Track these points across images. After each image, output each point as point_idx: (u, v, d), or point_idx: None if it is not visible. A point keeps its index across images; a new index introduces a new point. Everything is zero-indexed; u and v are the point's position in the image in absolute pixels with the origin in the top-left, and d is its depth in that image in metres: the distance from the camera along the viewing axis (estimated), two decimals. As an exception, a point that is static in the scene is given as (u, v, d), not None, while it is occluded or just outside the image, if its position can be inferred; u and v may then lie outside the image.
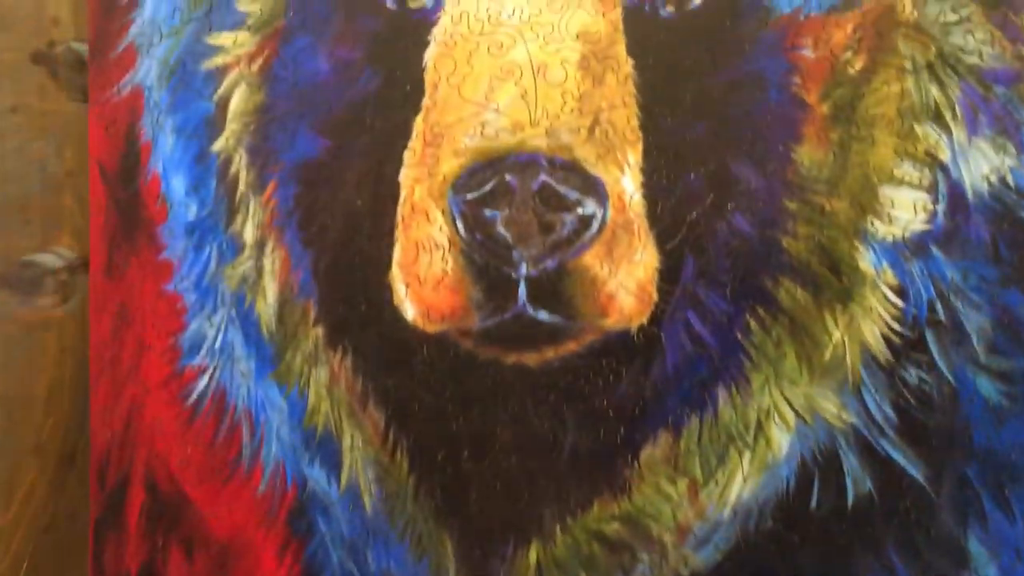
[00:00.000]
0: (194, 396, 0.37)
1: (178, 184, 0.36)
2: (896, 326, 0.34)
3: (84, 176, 0.36)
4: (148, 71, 0.36)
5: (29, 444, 0.38)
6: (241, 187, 0.36)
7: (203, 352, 0.36)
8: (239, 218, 0.36)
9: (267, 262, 0.36)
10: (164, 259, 0.36)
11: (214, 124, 0.36)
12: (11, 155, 0.38)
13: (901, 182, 0.34)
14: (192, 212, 0.36)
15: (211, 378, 0.36)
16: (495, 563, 0.35)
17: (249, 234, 0.36)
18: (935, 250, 0.33)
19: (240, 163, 0.36)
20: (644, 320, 0.35)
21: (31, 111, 0.38)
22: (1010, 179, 0.33)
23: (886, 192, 0.36)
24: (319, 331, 0.36)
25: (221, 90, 0.36)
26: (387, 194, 0.38)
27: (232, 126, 0.36)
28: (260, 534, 0.36)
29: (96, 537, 0.36)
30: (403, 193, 0.38)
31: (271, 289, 0.36)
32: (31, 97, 0.38)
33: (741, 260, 0.36)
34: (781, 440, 0.34)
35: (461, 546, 0.35)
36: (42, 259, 0.41)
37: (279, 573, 0.36)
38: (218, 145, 0.36)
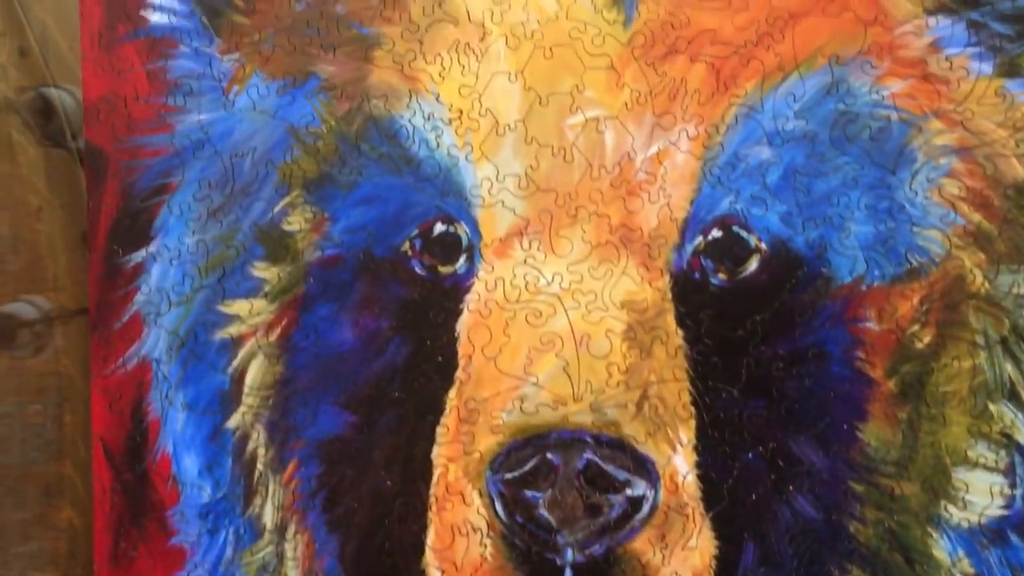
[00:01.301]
0: None
1: (190, 464, 0.35)
2: None
3: (86, 447, 0.34)
4: (156, 342, 0.35)
5: None
6: (259, 467, 0.36)
7: None
8: (257, 500, 0.35)
9: (289, 547, 0.35)
10: (175, 545, 0.35)
11: (229, 399, 0.35)
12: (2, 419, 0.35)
13: (976, 464, 0.37)
14: (206, 494, 0.35)
15: None
16: None
17: (268, 517, 0.35)
18: (1014, 537, 0.34)
19: (258, 440, 0.35)
20: None
21: (27, 371, 0.36)
22: None
23: (960, 475, 0.37)
24: None
25: (236, 362, 0.34)
26: (418, 474, 0.38)
27: (248, 401, 0.34)
28: None
29: None
30: (436, 473, 0.38)
31: None
32: (28, 355, 0.36)
33: (805, 546, 0.38)
34: None
35: None
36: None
37: None
38: (233, 421, 0.35)
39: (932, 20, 0.37)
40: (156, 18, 0.39)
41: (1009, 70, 0.37)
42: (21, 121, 0.46)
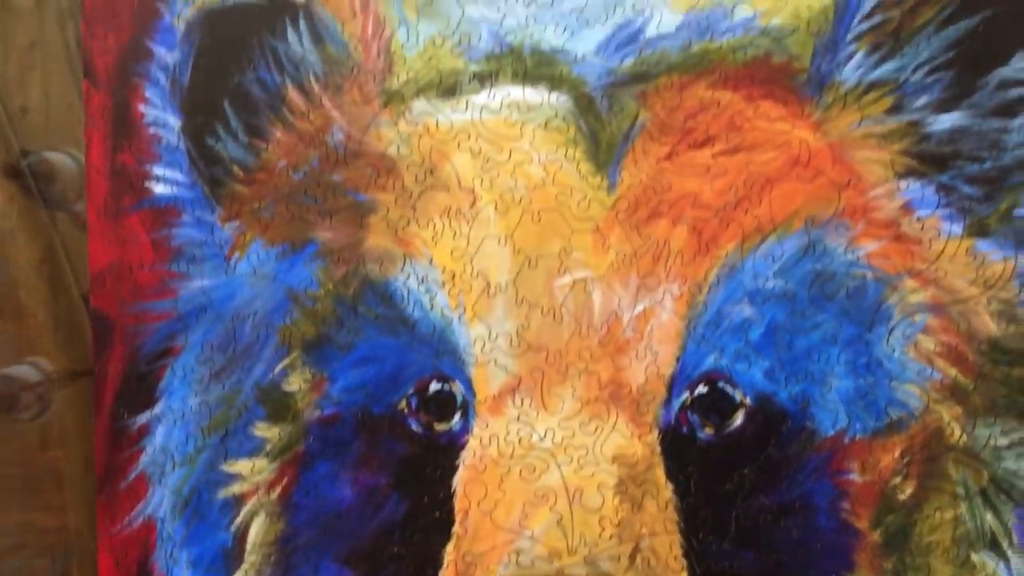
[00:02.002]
0: None
1: None
2: None
3: None
4: (160, 502, 0.37)
5: None
6: None
7: None
8: None
9: None
10: None
11: (232, 556, 0.38)
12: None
13: None
14: None
15: None
16: None
17: None
18: None
19: None
20: None
21: (36, 528, 0.38)
22: None
23: None
24: None
25: (239, 520, 0.37)
26: None
27: (251, 558, 0.37)
28: None
29: None
30: None
31: None
32: (38, 514, 0.37)
33: None
34: None
35: None
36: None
37: None
38: None
39: (903, 183, 0.39)
40: (160, 189, 0.41)
41: (979, 230, 0.39)
42: (21, 185, 0.48)
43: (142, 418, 0.43)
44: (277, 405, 0.42)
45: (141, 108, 0.43)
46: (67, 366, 0.47)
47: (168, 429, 0.43)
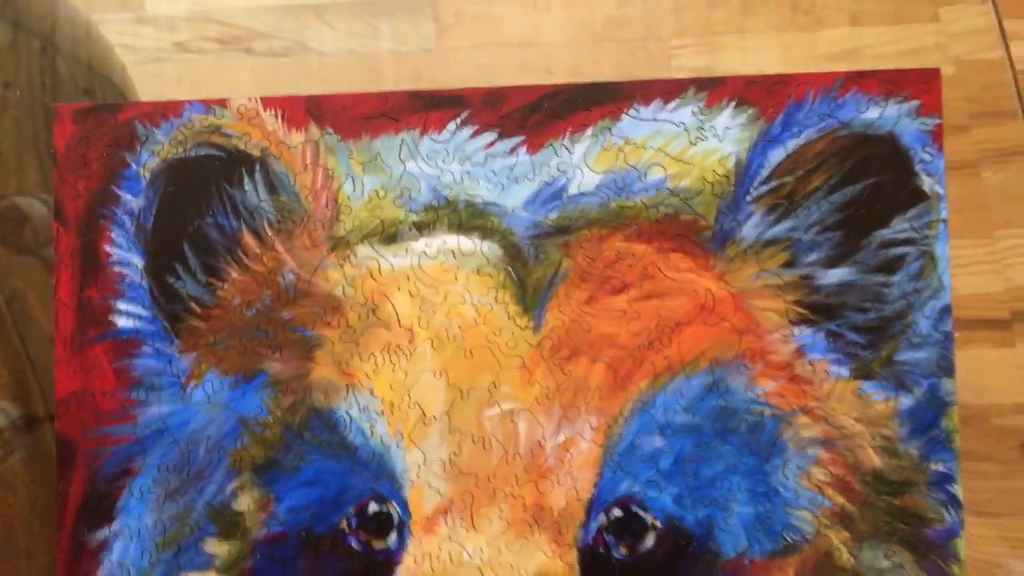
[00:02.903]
0: None
1: None
2: None
3: None
4: None
5: None
6: None
7: None
8: None
9: None
10: None
11: None
12: None
13: None
14: None
15: None
16: None
17: None
18: None
19: None
20: None
21: None
22: None
23: None
24: None
25: None
26: None
27: None
28: None
29: None
30: None
31: None
32: None
33: None
34: None
35: None
36: None
37: None
38: None
39: (796, 330, 0.44)
40: (123, 322, 0.45)
41: (864, 373, 0.44)
42: None
43: (101, 534, 0.46)
44: (227, 523, 0.46)
45: (107, 248, 0.47)
46: (27, 412, 0.50)
47: (125, 544, 0.46)
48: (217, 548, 0.46)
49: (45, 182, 0.51)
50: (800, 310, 0.45)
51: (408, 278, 0.46)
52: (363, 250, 0.47)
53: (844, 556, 0.45)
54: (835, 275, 0.45)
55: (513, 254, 0.46)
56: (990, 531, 1.35)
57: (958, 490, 0.45)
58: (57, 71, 0.53)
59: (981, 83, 0.65)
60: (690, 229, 0.46)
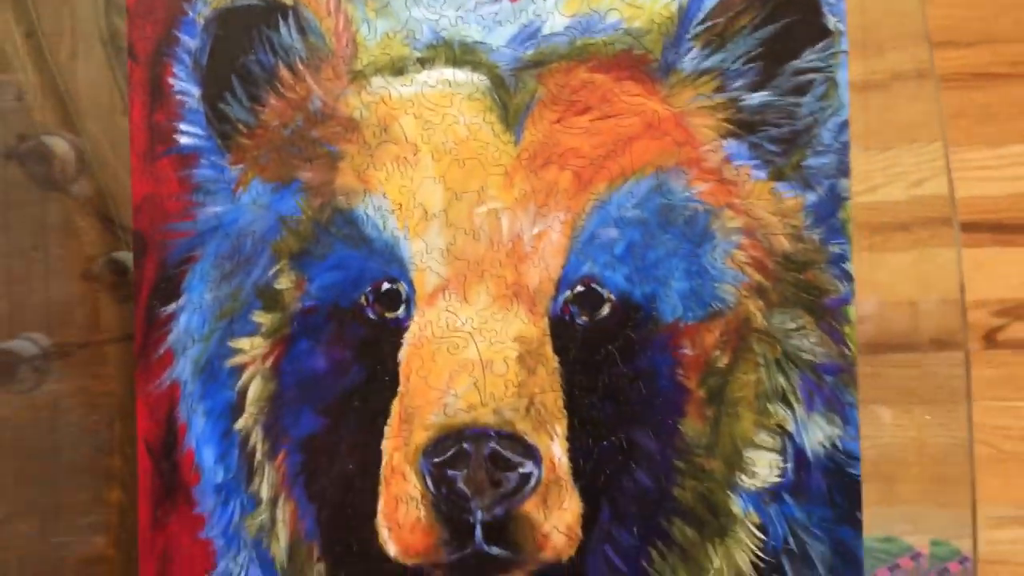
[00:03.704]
0: None
1: (208, 455, 0.52)
2: (760, 555, 0.50)
3: (132, 446, 0.52)
4: (183, 369, 0.53)
5: None
6: (258, 456, 0.53)
7: None
8: (256, 480, 0.52)
9: (280, 513, 0.52)
10: (198, 513, 0.53)
11: (236, 408, 0.53)
12: (72, 425, 0.53)
13: (760, 447, 0.52)
14: (219, 476, 0.52)
15: None
16: None
17: (264, 492, 0.52)
18: (787, 497, 0.51)
19: (257, 437, 0.52)
20: (572, 553, 0.55)
21: (90, 392, 0.54)
22: (839, 444, 0.50)
23: (749, 454, 0.53)
24: (322, 567, 0.52)
25: (241, 382, 0.52)
26: (372, 460, 0.56)
27: (250, 409, 0.52)
28: None
29: None
30: (384, 459, 0.56)
31: (283, 534, 0.52)
32: (90, 380, 0.53)
33: (644, 506, 0.54)
34: None
35: None
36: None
37: None
38: (239, 424, 0.53)
39: (724, 142, 0.56)
40: (184, 140, 0.57)
41: (778, 175, 0.56)
42: (18, 167, 0.57)
43: (169, 308, 0.59)
44: (270, 299, 0.58)
45: (170, 80, 0.59)
46: (61, 340, 0.59)
47: (189, 316, 0.59)
48: (262, 318, 0.59)
49: (69, 121, 0.60)
50: (728, 126, 0.57)
51: (413, 103, 0.58)
52: (376, 81, 0.58)
53: (759, 320, 0.57)
54: (756, 97, 0.57)
55: (498, 83, 0.58)
56: (950, 419, 1.48)
57: (851, 267, 0.56)
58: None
59: None
60: (640, 62, 0.57)
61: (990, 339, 1.58)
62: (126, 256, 0.59)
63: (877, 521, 0.58)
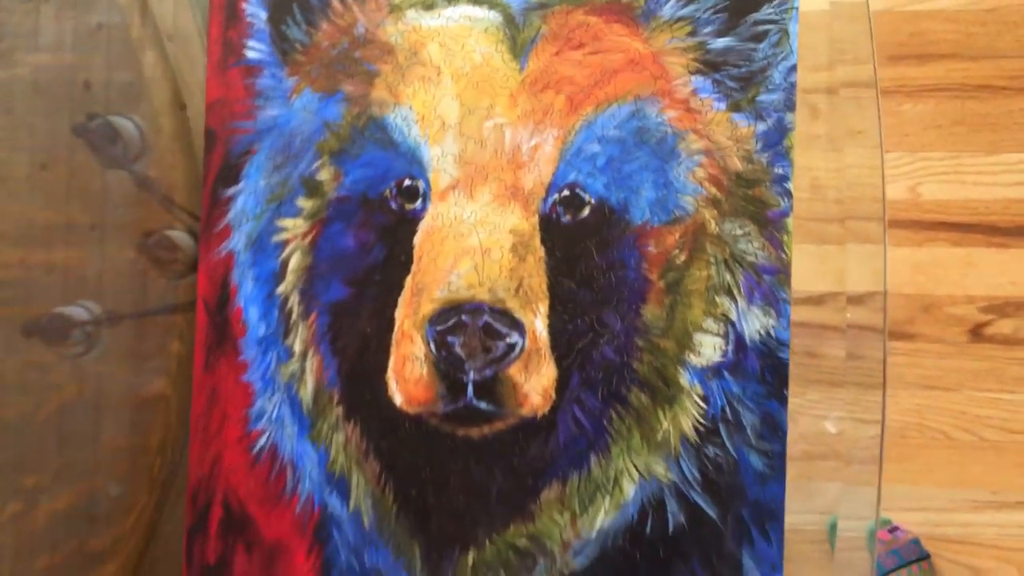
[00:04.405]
0: (257, 449, 0.65)
1: (253, 313, 0.65)
2: (702, 420, 0.63)
3: (192, 305, 0.65)
4: (238, 241, 0.66)
5: (144, 478, 0.66)
6: (293, 316, 0.65)
7: (264, 421, 0.65)
8: (291, 335, 0.65)
9: (308, 364, 0.65)
10: (242, 360, 0.66)
11: (279, 276, 0.66)
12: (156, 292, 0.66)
13: (706, 331, 0.63)
14: (261, 331, 0.65)
15: (268, 438, 0.65)
16: (446, 564, 0.63)
17: (297, 346, 0.65)
18: (726, 374, 0.62)
19: (294, 301, 0.65)
20: (546, 410, 0.63)
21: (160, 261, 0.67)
22: (772, 333, 0.61)
23: (697, 337, 0.63)
24: (340, 410, 0.65)
25: (284, 254, 0.65)
26: (386, 325, 0.66)
27: (290, 277, 0.65)
28: (295, 540, 0.65)
29: (189, 540, 0.65)
30: (396, 325, 0.67)
31: (310, 382, 0.65)
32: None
33: (607, 375, 0.64)
34: (629, 490, 0.63)
35: (425, 551, 0.64)
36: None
37: (306, 565, 0.64)
38: (280, 289, 0.65)
39: (693, 78, 0.68)
40: (251, 55, 0.71)
41: (735, 108, 0.68)
42: (86, 144, 0.60)
43: (230, 191, 0.72)
44: (311, 188, 0.71)
45: (243, 5, 0.72)
46: (112, 309, 0.63)
47: (245, 198, 0.72)
48: (304, 203, 0.72)
49: (136, 103, 0.65)
50: (696, 64, 0.69)
51: (439, 33, 0.71)
52: (410, 14, 0.71)
53: (712, 226, 0.68)
54: (721, 42, 0.69)
55: (509, 20, 0.70)
56: (939, 402, 1.58)
57: (791, 186, 0.68)
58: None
59: None
60: (628, 8, 0.69)
61: (976, 334, 1.68)
62: (179, 235, 0.66)
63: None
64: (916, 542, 1.61)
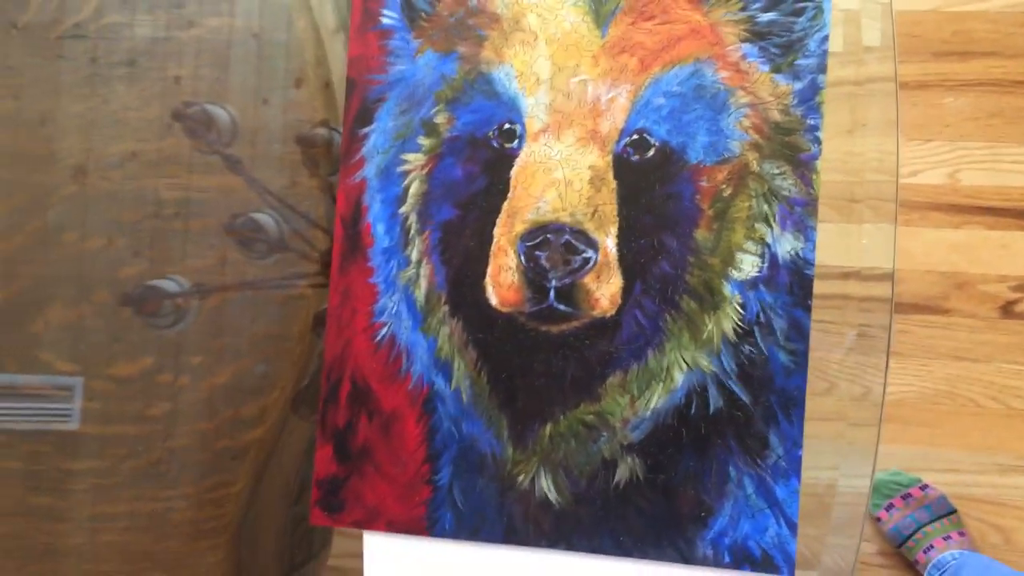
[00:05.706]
0: (379, 337, 0.83)
1: (380, 228, 0.83)
2: (740, 323, 0.79)
3: (331, 221, 0.83)
4: (370, 170, 0.84)
5: (287, 360, 0.84)
6: (412, 232, 0.83)
7: (385, 315, 0.83)
8: (409, 247, 0.83)
9: (422, 271, 0.82)
10: (369, 266, 0.83)
11: (401, 199, 0.83)
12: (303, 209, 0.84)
13: (747, 252, 0.79)
14: (386, 243, 0.83)
15: (389, 328, 0.83)
16: (528, 434, 0.80)
17: (414, 256, 0.83)
18: (761, 287, 0.78)
19: (412, 219, 0.83)
20: (613, 312, 0.79)
21: (304, 185, 0.85)
22: (800, 254, 0.77)
23: (739, 256, 0.79)
24: (446, 308, 0.82)
25: (405, 182, 0.83)
26: (486, 241, 0.82)
27: (410, 200, 0.83)
28: (408, 410, 0.82)
29: (323, 408, 0.83)
30: (494, 241, 0.82)
31: (423, 285, 0.82)
32: (303, 176, 0.84)
33: (664, 286, 0.79)
34: (678, 378, 0.79)
35: (511, 423, 0.80)
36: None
37: (416, 431, 0.82)
38: (402, 209, 0.83)
39: (743, 45, 0.84)
40: (385, 20, 0.88)
41: (777, 70, 0.83)
42: (185, 129, 0.65)
43: (365, 130, 0.89)
44: (430, 129, 0.88)
45: (380, -19, 0.90)
46: (200, 282, 0.68)
47: (377, 137, 0.89)
48: (423, 141, 0.89)
49: (228, 92, 0.71)
50: (746, 34, 0.84)
51: (536, 5, 0.87)
52: (513, -11, 0.89)
53: (754, 166, 0.84)
54: (767, 16, 0.84)
55: (594, -4, 0.87)
56: (970, 373, 1.71)
57: (822, 135, 0.84)
58: None
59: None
60: (691, -12, 0.86)
61: (1007, 310, 1.81)
62: (264, 218, 0.72)
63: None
64: (944, 498, 1.73)
